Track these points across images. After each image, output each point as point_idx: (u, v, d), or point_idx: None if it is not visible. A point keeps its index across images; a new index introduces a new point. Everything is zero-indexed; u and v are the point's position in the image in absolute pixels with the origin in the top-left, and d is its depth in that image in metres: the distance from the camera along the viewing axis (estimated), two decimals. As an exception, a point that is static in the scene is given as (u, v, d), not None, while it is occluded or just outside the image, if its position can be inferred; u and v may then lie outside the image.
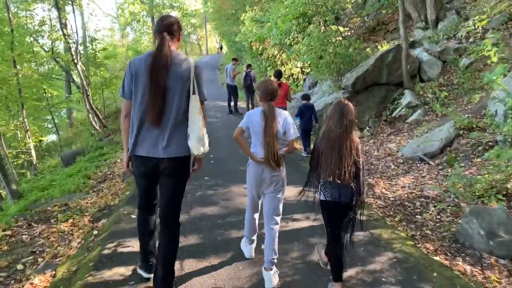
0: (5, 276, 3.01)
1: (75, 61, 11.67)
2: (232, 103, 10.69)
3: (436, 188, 4.56)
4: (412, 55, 8.14)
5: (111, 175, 6.38)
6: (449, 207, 4.00)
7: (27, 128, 12.24)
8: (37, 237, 3.79)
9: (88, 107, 12.58)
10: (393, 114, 7.73)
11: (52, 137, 19.15)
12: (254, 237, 2.98)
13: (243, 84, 10.26)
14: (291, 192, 4.50)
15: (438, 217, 3.89)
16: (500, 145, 4.81)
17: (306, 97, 6.79)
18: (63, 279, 2.83)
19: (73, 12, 13.04)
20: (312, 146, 3.37)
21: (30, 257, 3.32)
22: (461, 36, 7.56)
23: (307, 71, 12.53)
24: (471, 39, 7.78)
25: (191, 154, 2.29)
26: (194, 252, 3.05)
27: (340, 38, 10.37)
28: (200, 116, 2.23)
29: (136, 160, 2.30)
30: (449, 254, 3.15)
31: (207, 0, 26.24)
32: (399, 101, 7.80)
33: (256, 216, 2.92)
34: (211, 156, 6.24)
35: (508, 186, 3.97)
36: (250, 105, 10.18)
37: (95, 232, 3.75)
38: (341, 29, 11.11)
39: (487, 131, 5.37)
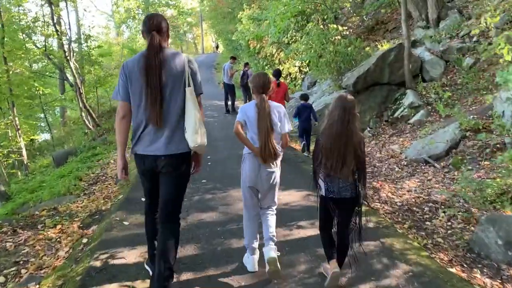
0: (-16, 290, 2.77)
1: (68, 58, 11.36)
2: (229, 102, 10.40)
3: (444, 192, 4.36)
4: (414, 54, 7.96)
5: (104, 177, 6.11)
6: (460, 213, 3.80)
7: (18, 126, 11.88)
8: (22, 245, 3.52)
9: (81, 105, 12.27)
10: (395, 115, 7.54)
11: (45, 136, 18.77)
12: (256, 245, 2.73)
13: (240, 83, 10.04)
14: (294, 197, 4.29)
15: (449, 223, 3.69)
16: (509, 147, 4.64)
17: (304, 97, 6.73)
18: (47, 295, 2.58)
19: (66, 8, 12.76)
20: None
21: (13, 268, 3.06)
22: (466, 34, 7.37)
23: (306, 70, 12.33)
24: (474, 38, 7.61)
25: (191, 150, 2.28)
26: (192, 264, 2.80)
27: (339, 37, 10.17)
28: (196, 108, 2.22)
29: (137, 159, 2.30)
30: (465, 265, 2.94)
31: (203, -1, 26.03)
32: (401, 101, 7.61)
33: (255, 215, 2.73)
34: (209, 157, 5.98)
35: (522, 191, 3.79)
36: None
37: (85, 240, 3.49)
38: (340, 28, 10.93)
39: (494, 132, 5.20)
